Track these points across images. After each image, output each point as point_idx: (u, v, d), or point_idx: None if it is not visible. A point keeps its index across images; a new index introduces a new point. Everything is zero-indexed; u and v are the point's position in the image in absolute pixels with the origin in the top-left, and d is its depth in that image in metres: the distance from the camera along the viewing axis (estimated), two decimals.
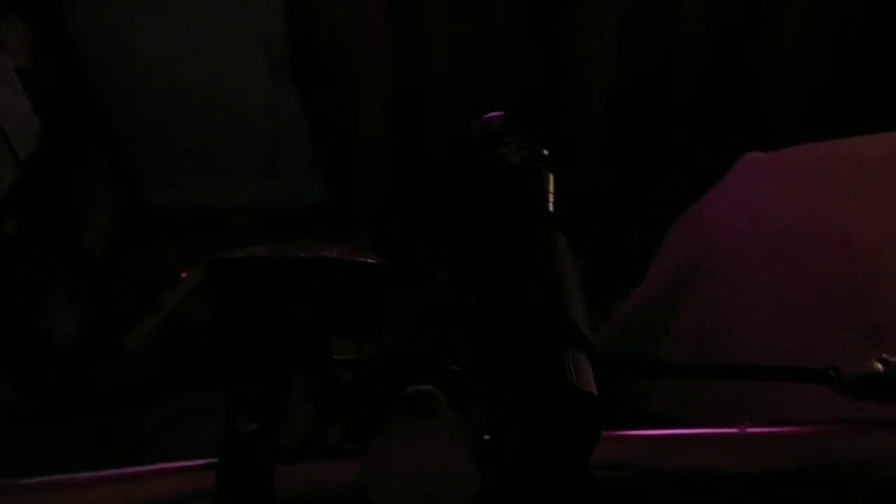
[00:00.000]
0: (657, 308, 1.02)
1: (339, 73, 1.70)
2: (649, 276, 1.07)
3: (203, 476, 0.34)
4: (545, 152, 0.41)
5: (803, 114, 1.86)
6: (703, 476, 0.36)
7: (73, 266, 1.72)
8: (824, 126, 1.72)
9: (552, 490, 0.33)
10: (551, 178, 0.40)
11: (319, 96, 1.75)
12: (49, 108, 1.64)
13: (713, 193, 1.07)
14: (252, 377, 0.35)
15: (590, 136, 1.88)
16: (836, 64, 1.83)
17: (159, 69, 1.83)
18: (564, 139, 1.85)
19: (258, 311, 0.36)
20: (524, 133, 0.41)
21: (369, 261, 0.37)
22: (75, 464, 0.36)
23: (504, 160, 0.40)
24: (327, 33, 1.64)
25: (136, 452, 1.24)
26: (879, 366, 0.37)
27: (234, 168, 2.00)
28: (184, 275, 1.74)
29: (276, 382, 0.36)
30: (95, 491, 0.36)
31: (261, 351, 0.36)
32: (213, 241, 1.79)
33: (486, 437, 0.33)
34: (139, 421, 1.35)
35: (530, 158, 0.40)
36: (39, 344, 1.55)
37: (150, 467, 0.35)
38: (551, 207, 0.39)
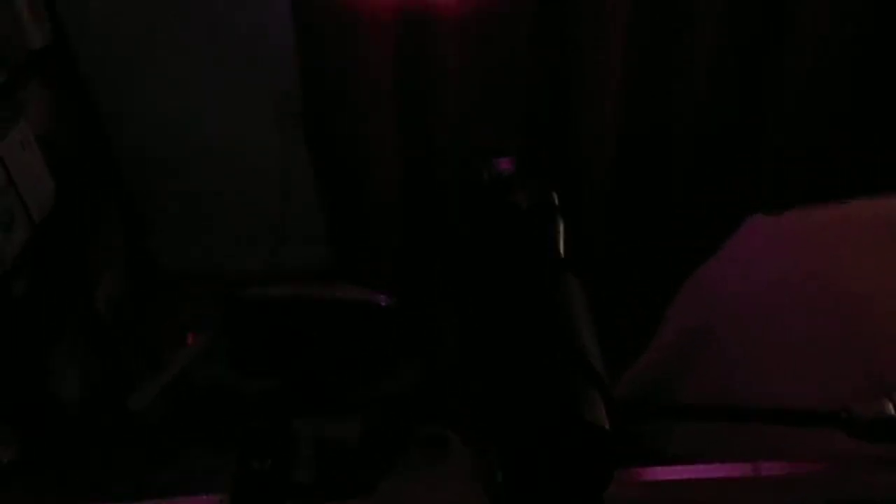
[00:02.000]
0: (668, 369, 1.02)
1: (349, 135, 1.73)
2: (659, 339, 1.08)
3: None
4: (555, 197, 0.42)
5: (802, 176, 1.89)
6: None
7: (80, 327, 1.72)
8: (822, 189, 1.75)
9: None
10: (561, 222, 0.41)
11: (330, 159, 1.78)
12: (65, 171, 1.67)
13: (720, 256, 1.08)
14: (265, 415, 0.35)
15: (593, 201, 1.90)
16: (836, 133, 1.86)
17: (174, 133, 1.88)
18: (568, 203, 1.87)
19: (274, 349, 0.37)
20: (534, 178, 0.43)
21: (383, 301, 0.37)
22: None
23: (515, 206, 0.41)
24: (338, 96, 1.68)
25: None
26: (892, 409, 0.37)
27: (244, 232, 2.02)
28: (191, 337, 1.74)
29: (289, 421, 0.36)
30: None
31: (275, 389, 0.36)
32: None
33: (500, 474, 0.33)
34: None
35: (540, 203, 0.41)
36: (43, 405, 1.54)
37: (163, 501, 0.35)
38: (562, 251, 0.40)
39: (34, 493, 1.36)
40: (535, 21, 1.66)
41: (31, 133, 1.57)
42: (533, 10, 1.64)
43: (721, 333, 0.93)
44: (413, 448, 0.35)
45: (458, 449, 0.35)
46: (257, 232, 2.01)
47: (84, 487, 1.41)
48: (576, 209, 1.90)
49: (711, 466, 0.37)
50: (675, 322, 1.05)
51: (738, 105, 1.85)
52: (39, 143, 1.59)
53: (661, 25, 1.72)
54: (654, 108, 1.83)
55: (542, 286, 0.39)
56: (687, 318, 1.03)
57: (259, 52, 1.75)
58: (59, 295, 1.66)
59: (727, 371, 0.88)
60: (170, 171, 1.94)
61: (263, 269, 2.03)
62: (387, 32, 1.58)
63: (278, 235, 1.99)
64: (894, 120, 1.81)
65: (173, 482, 1.35)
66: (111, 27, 1.72)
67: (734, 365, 0.88)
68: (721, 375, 0.89)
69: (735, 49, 1.76)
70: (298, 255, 2.01)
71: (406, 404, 0.38)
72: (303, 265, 2.02)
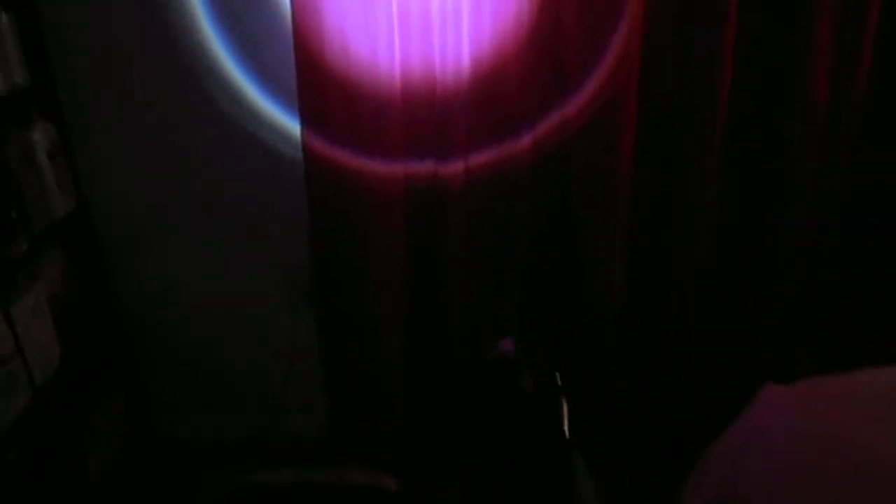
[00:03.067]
0: None
1: (357, 309, 1.75)
2: None
3: None
4: (558, 378, 0.42)
5: (805, 341, 1.89)
6: None
7: (72, 497, 1.66)
8: (827, 361, 1.75)
9: None
10: (565, 403, 0.41)
11: (337, 334, 1.80)
12: (72, 335, 1.69)
13: (740, 427, 1.09)
14: None
15: (599, 365, 1.89)
16: (836, 305, 1.89)
17: (181, 301, 1.91)
18: (574, 367, 1.86)
19: None
20: (540, 360, 0.43)
21: (391, 486, 0.37)
22: None
23: (520, 389, 0.41)
24: (348, 270, 1.72)
25: None
26: None
27: (246, 400, 2.01)
28: None
29: None
30: None
31: None
32: (218, 473, 1.75)
33: None
34: None
35: (544, 385, 0.41)
36: None
37: None
38: (566, 432, 0.40)
39: None
40: (536, 190, 1.73)
41: (44, 296, 1.60)
42: (534, 183, 1.72)
43: (743, 498, 0.92)
44: None
45: None
46: (259, 400, 2.00)
47: None
48: (581, 375, 1.89)
49: None
50: (696, 495, 1.03)
51: (741, 263, 1.88)
52: (50, 302, 1.62)
53: (661, 194, 1.79)
54: (657, 272, 1.87)
55: (548, 469, 0.39)
56: (709, 488, 1.02)
57: (270, 227, 1.81)
58: (54, 463, 1.61)
59: None
60: (175, 339, 1.96)
61: (264, 436, 1.99)
62: (396, 205, 1.65)
63: (280, 403, 1.98)
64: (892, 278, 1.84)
65: None
66: (130, 196, 1.80)
67: None
68: None
69: (736, 209, 1.82)
70: (299, 424, 1.99)
71: None
72: (303, 433, 1.98)
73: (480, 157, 1.66)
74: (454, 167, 1.64)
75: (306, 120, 1.56)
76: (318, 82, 1.52)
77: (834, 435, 0.96)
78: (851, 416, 1.00)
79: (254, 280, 1.88)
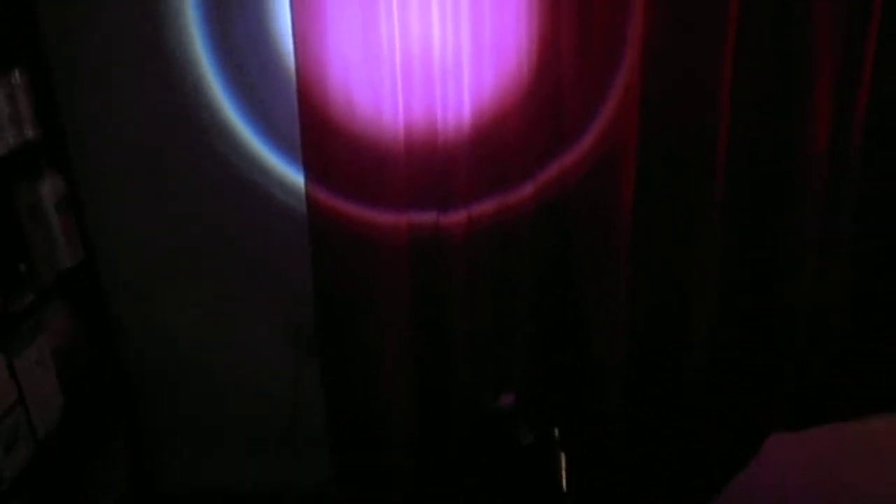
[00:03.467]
0: None
1: (362, 362, 1.75)
2: None
3: None
4: (556, 432, 0.42)
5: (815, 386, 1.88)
6: None
7: None
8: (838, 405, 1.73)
9: None
10: (563, 457, 0.41)
11: (342, 386, 1.79)
12: (75, 387, 1.69)
13: (746, 477, 1.08)
14: None
15: (607, 415, 1.87)
16: (843, 358, 1.88)
17: (186, 353, 1.91)
18: (582, 416, 1.85)
19: None
20: (537, 412, 0.44)
21: None
22: None
23: (518, 441, 0.42)
24: (352, 321, 1.72)
25: None
26: None
27: (250, 450, 1.99)
28: None
29: None
30: None
31: None
32: None
33: None
34: None
35: (542, 439, 0.42)
36: None
37: None
38: (564, 486, 0.40)
39: None
40: (537, 240, 1.74)
41: (48, 348, 1.60)
42: (535, 234, 1.73)
43: None
44: None
45: None
46: (263, 450, 1.98)
47: None
48: (583, 428, 1.87)
49: None
50: None
51: (745, 313, 1.88)
52: (55, 354, 1.62)
53: (663, 246, 1.80)
54: (661, 322, 1.86)
55: None
56: None
57: (274, 279, 1.82)
58: None
59: None
60: (178, 390, 1.95)
61: (268, 487, 1.97)
62: (399, 256, 1.66)
63: (285, 454, 1.96)
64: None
65: None
66: (135, 248, 1.82)
67: None
68: None
69: (738, 259, 1.83)
70: (304, 474, 1.97)
71: None
72: (308, 484, 1.96)
73: (482, 208, 1.68)
74: (456, 217, 1.65)
75: (310, 172, 1.58)
76: (321, 134, 1.55)
77: (839, 483, 0.96)
78: (857, 464, 0.99)
79: (257, 331, 1.88)
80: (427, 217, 1.67)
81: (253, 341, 1.89)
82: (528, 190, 1.69)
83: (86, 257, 1.74)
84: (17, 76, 1.54)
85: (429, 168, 1.63)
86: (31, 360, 1.55)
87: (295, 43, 1.49)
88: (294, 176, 1.68)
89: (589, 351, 1.81)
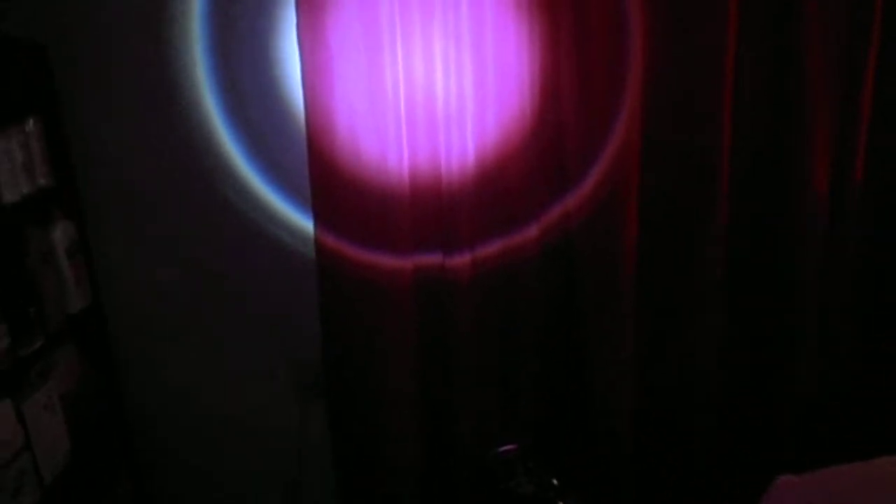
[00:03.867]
0: None
1: (367, 403, 1.75)
2: None
3: None
4: (555, 483, 0.43)
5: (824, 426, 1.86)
6: None
7: None
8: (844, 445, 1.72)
9: None
10: None
11: (349, 433, 1.79)
12: (82, 432, 1.68)
13: None
14: None
15: (617, 465, 1.86)
16: (849, 410, 1.87)
17: (191, 400, 1.91)
18: (591, 467, 1.83)
19: None
20: (539, 463, 0.44)
21: None
22: None
23: (516, 492, 0.42)
24: (359, 365, 1.72)
25: None
26: None
27: (255, 495, 1.98)
28: None
29: None
30: None
31: None
32: None
33: None
34: None
35: (542, 489, 0.42)
36: None
37: None
38: None
39: None
40: (542, 282, 1.75)
41: (56, 393, 1.61)
42: (541, 276, 1.74)
43: None
44: None
45: None
46: (269, 493, 1.97)
47: None
48: (589, 473, 1.85)
49: None
50: None
51: (751, 353, 1.88)
52: (62, 399, 1.62)
53: (668, 284, 1.80)
54: (667, 365, 1.86)
55: None
56: None
57: (280, 325, 1.83)
58: None
59: None
60: (184, 437, 1.95)
61: None
62: (405, 299, 1.67)
63: (291, 497, 1.95)
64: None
65: None
66: (143, 293, 1.83)
67: None
68: None
69: (743, 299, 1.83)
70: None
71: None
72: None
73: (486, 250, 1.69)
74: (461, 260, 1.67)
75: (319, 216, 1.61)
76: (330, 180, 1.58)
77: None
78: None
79: (263, 374, 1.88)
80: (432, 260, 1.69)
81: (259, 384, 1.89)
82: (532, 232, 1.71)
83: (93, 301, 1.75)
84: (31, 124, 1.57)
85: (433, 212, 1.65)
86: (39, 405, 1.55)
87: (305, 93, 1.53)
88: (301, 220, 1.71)
89: (593, 390, 1.81)
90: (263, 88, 1.66)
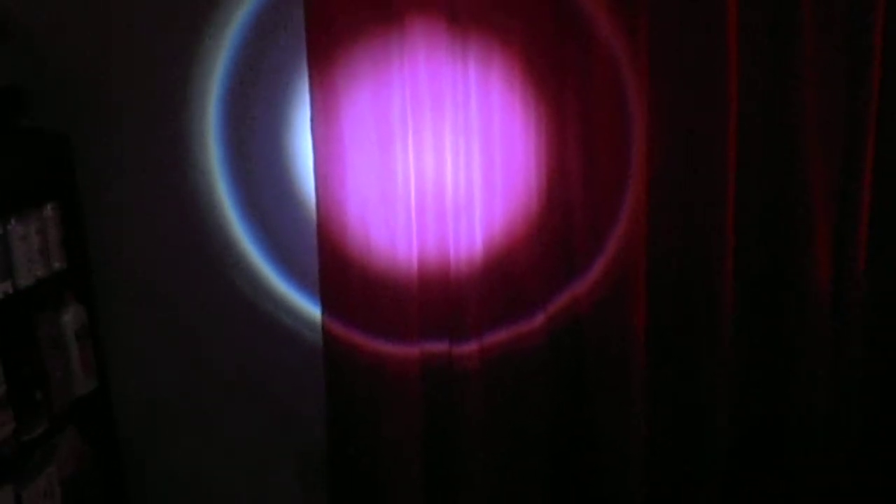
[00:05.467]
0: None
1: (373, 492, 1.72)
2: None
3: None
4: None
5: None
6: None
7: None
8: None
9: None
10: None
11: None
12: None
13: None
14: None
15: None
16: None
17: (195, 486, 1.89)
18: None
19: None
20: None
21: None
22: None
23: None
24: (365, 453, 1.71)
25: None
26: None
27: None
28: None
29: None
30: None
31: None
32: None
33: None
34: None
35: None
36: None
37: None
38: None
39: None
40: (551, 370, 1.75)
41: (56, 479, 1.59)
42: (549, 362, 1.74)
43: None
44: None
45: None
46: None
47: None
48: None
49: None
50: None
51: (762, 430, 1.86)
52: (62, 485, 1.60)
53: (678, 369, 1.80)
54: (678, 452, 1.84)
55: None
56: None
57: (286, 413, 1.82)
58: None
59: None
60: None
61: None
62: (411, 387, 1.67)
63: None
64: None
65: None
66: (149, 379, 1.83)
67: None
68: None
69: (753, 378, 1.82)
70: None
71: None
72: None
73: (494, 338, 1.70)
74: (468, 348, 1.67)
75: (326, 304, 1.62)
76: (339, 269, 1.60)
77: None
78: None
79: (267, 461, 1.86)
80: (440, 347, 1.69)
81: (263, 470, 1.86)
82: (540, 318, 1.71)
83: (99, 385, 1.75)
84: (49, 209, 1.61)
85: (441, 300, 1.66)
86: (40, 491, 1.53)
87: (316, 183, 1.57)
88: (307, 307, 1.73)
89: (605, 475, 1.79)
90: (275, 178, 1.70)
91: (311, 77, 1.54)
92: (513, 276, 1.67)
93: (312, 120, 1.56)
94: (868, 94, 1.67)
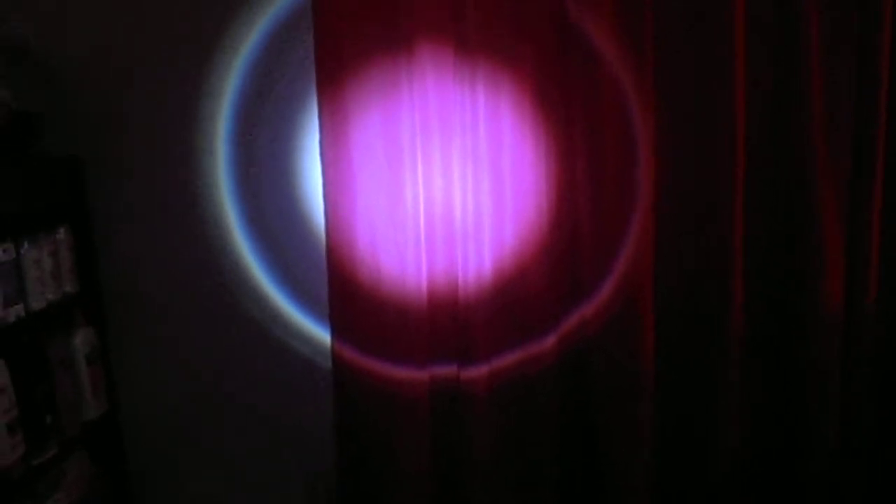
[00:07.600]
0: None
1: None
2: None
3: None
4: None
5: None
6: None
7: None
8: None
9: None
10: None
11: None
12: None
13: None
14: None
15: None
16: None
17: None
18: None
19: None
20: None
21: None
22: None
23: None
24: (374, 478, 1.70)
25: None
26: None
27: None
28: None
29: None
30: None
31: None
32: None
33: None
34: None
35: None
36: None
37: None
38: None
39: None
40: (559, 394, 1.74)
41: (66, 503, 1.59)
42: (557, 385, 1.73)
43: None
44: None
45: None
46: None
47: None
48: None
49: None
50: None
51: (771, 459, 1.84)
52: None
53: (686, 392, 1.78)
54: (686, 477, 1.82)
55: None
56: None
57: (295, 434, 1.82)
58: None
59: None
60: None
61: None
62: (420, 410, 1.67)
63: None
64: None
65: None
66: (158, 403, 1.83)
67: None
68: None
69: (759, 403, 1.80)
70: None
71: None
72: None
73: (503, 362, 1.69)
74: (477, 372, 1.66)
75: (336, 329, 1.62)
76: (348, 293, 1.60)
77: None
78: None
79: (277, 484, 1.85)
80: (448, 371, 1.69)
81: (272, 495, 1.86)
82: (548, 343, 1.71)
83: (109, 409, 1.75)
84: (62, 233, 1.62)
85: (450, 324, 1.66)
86: None
87: (326, 208, 1.58)
88: (319, 332, 1.73)
89: (613, 498, 1.77)
90: (285, 201, 1.72)
91: (320, 101, 1.56)
92: (521, 299, 1.67)
93: (322, 144, 1.57)
94: (875, 109, 1.66)
